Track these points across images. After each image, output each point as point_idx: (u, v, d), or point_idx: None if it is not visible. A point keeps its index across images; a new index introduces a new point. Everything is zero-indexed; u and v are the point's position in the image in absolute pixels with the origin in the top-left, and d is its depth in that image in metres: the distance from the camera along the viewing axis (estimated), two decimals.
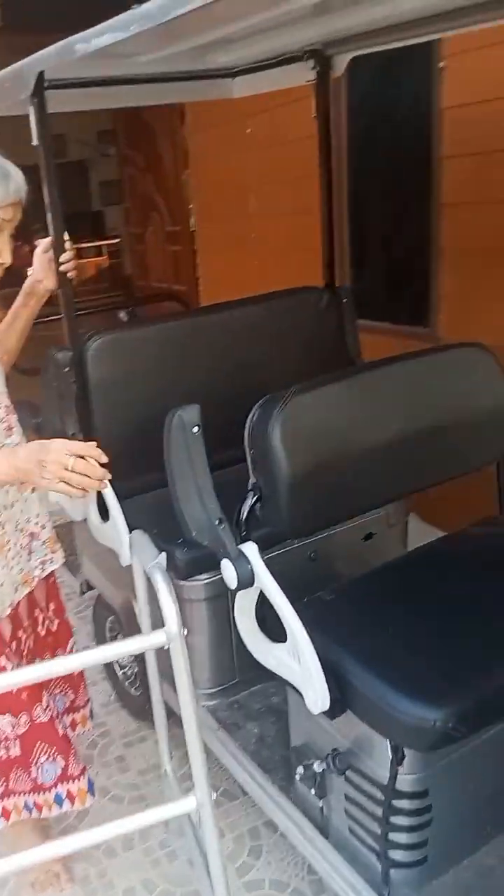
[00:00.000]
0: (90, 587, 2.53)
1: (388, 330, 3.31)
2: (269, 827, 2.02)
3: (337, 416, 1.66)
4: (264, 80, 2.63)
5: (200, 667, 2.03)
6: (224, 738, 1.94)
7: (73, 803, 1.76)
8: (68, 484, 1.32)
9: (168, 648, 1.37)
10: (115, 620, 2.46)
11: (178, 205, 5.44)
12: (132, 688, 2.45)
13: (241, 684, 2.07)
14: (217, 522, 1.53)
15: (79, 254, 1.92)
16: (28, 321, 1.87)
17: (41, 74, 1.83)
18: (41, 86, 1.85)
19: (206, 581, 1.94)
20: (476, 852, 1.57)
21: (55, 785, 1.74)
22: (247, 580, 1.51)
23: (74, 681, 2.00)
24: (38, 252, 1.85)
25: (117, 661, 2.52)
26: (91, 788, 1.78)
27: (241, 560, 1.51)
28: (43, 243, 1.85)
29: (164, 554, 1.44)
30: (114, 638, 2.52)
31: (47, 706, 1.75)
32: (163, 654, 1.89)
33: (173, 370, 2.16)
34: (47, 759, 1.72)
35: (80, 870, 1.96)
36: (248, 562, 1.51)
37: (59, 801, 1.75)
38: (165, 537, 1.94)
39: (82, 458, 1.32)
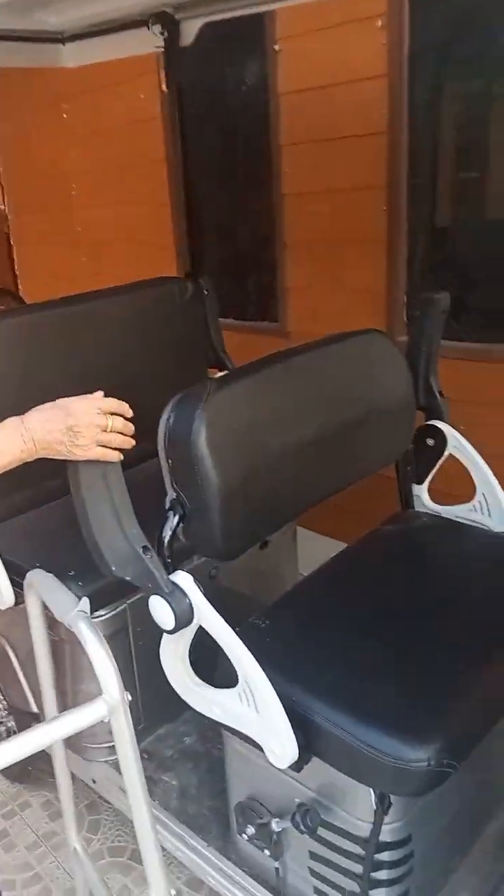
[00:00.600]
0: None
1: (235, 326, 3.05)
2: (193, 886, 1.70)
3: (260, 413, 1.37)
4: (101, 46, 2.27)
5: None
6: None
7: None
8: (106, 448, 1.11)
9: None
10: None
11: None
12: None
13: (147, 730, 1.73)
14: (142, 550, 1.18)
15: None
16: None
17: None
18: None
19: (104, 616, 1.58)
20: (447, 885, 1.36)
21: None
22: (186, 619, 1.18)
23: None
24: None
25: None
26: None
27: (175, 595, 1.18)
28: None
29: (86, 599, 1.08)
30: None
31: None
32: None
33: (34, 370, 1.76)
34: None
35: None
36: (186, 595, 1.19)
37: None
38: (52, 568, 1.55)
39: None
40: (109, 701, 1.07)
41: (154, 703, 1.65)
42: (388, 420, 1.63)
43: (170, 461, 1.27)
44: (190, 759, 1.68)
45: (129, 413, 1.13)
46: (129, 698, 1.11)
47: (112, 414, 1.12)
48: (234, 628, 1.23)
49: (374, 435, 1.62)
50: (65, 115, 3.86)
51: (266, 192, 2.82)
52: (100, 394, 1.13)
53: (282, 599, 1.55)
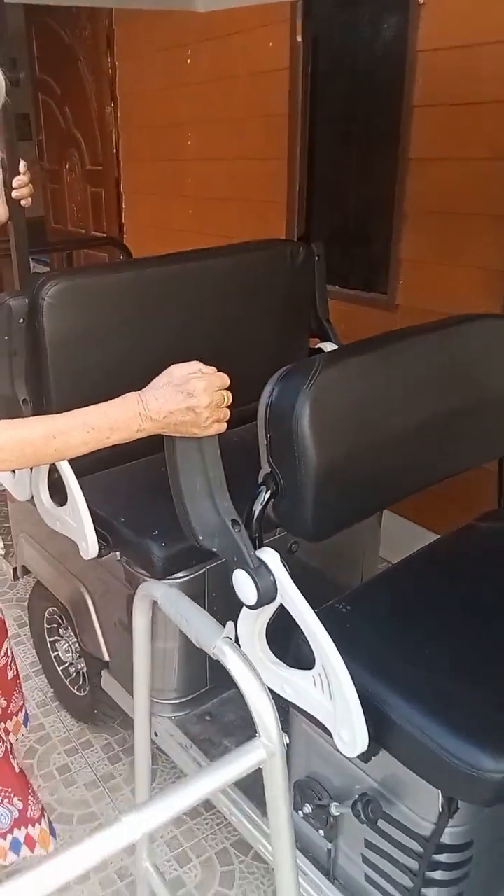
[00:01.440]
0: (26, 571, 2.13)
1: (340, 294, 2.99)
2: (240, 848, 1.75)
3: (368, 394, 1.35)
4: None
5: (167, 675, 1.70)
6: (198, 757, 1.63)
7: (32, 849, 1.42)
8: (220, 422, 1.12)
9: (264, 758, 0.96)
10: (55, 612, 2.08)
11: (101, 143, 4.85)
12: (75, 686, 2.09)
13: (214, 691, 1.76)
14: (231, 524, 1.19)
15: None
16: None
17: None
18: None
19: (183, 579, 1.60)
20: (501, 892, 1.35)
21: (11, 830, 1.39)
22: (269, 596, 1.19)
23: (7, 685, 1.63)
24: None
25: (56, 655, 2.14)
26: (53, 831, 1.45)
27: (261, 571, 1.19)
28: None
29: (231, 624, 1.04)
30: (53, 630, 2.14)
31: (2, 716, 1.40)
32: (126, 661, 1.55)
33: (139, 326, 1.77)
34: (2, 801, 1.37)
35: None
36: (271, 573, 1.19)
37: (16, 847, 1.40)
38: (136, 529, 1.59)
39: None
40: (268, 745, 0.96)
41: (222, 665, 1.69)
42: (499, 412, 1.58)
43: (269, 436, 1.27)
44: (250, 727, 1.69)
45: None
46: (288, 741, 1.07)
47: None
48: (313, 608, 1.23)
49: (482, 427, 1.57)
50: (188, 62, 3.82)
51: (390, 156, 2.72)
52: (212, 369, 1.13)
53: (366, 585, 1.54)
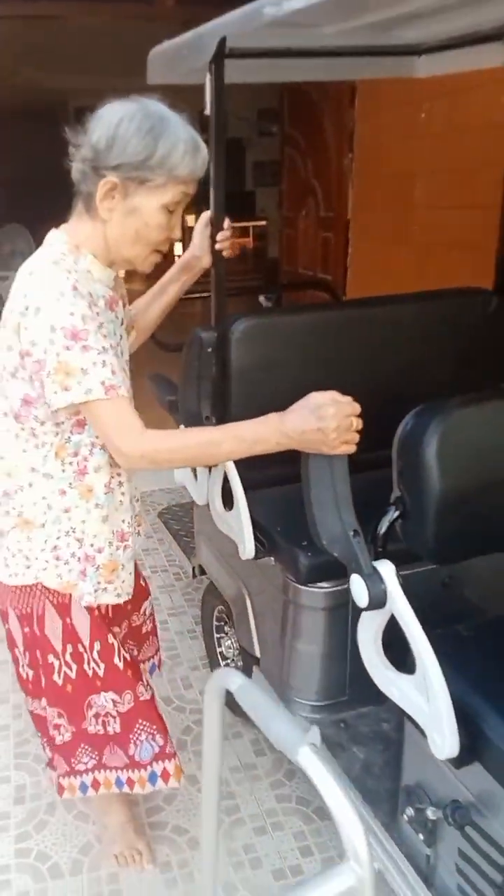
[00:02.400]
0: (202, 572, 2.48)
1: None
2: None
3: (494, 439, 1.50)
4: (452, 59, 2.45)
5: (308, 678, 1.93)
6: (326, 757, 1.84)
7: (166, 782, 1.73)
8: (348, 444, 1.36)
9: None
10: (222, 610, 2.40)
11: (336, 190, 5.30)
12: None
13: (350, 703, 1.95)
14: (352, 534, 1.42)
15: (234, 239, 1.85)
16: (176, 297, 1.83)
17: (223, 40, 1.75)
18: (222, 53, 1.77)
19: (327, 589, 1.83)
20: None
21: (151, 763, 1.71)
22: (378, 601, 1.39)
23: (142, 637, 1.98)
24: (198, 227, 1.78)
25: (221, 652, 2.46)
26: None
27: (374, 578, 1.39)
28: (203, 218, 1.78)
29: (315, 729, 1.09)
30: (219, 628, 2.47)
31: (148, 684, 1.74)
32: (273, 660, 1.80)
33: (316, 362, 2.05)
34: (147, 737, 1.70)
35: (162, 854, 1.92)
36: (382, 581, 1.39)
37: (153, 779, 1.72)
38: (289, 538, 1.85)
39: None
40: (357, 871, 0.90)
41: (363, 681, 1.86)
42: None
43: (400, 462, 1.48)
44: (382, 742, 1.87)
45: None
46: (378, 866, 1.07)
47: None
48: (436, 630, 1.40)
49: None
50: (423, 115, 4.11)
51: None
52: (348, 399, 1.36)
53: (498, 616, 1.67)
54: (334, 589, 1.83)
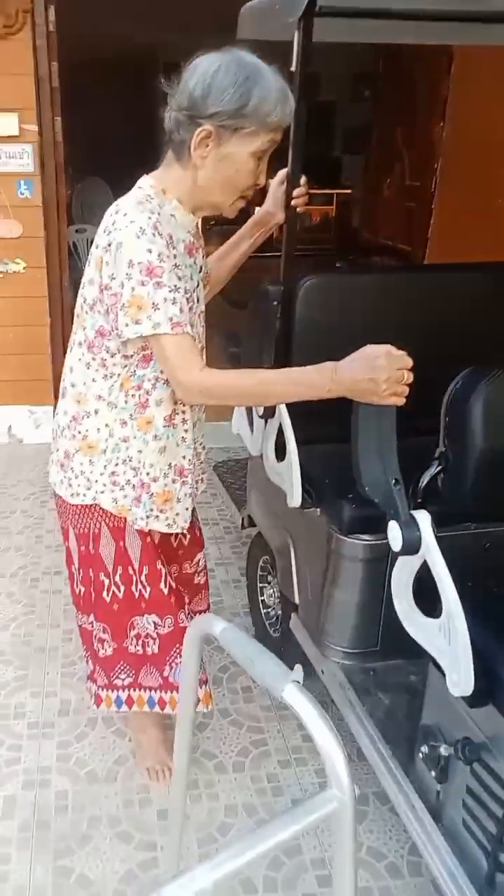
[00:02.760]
0: (252, 523, 2.63)
1: None
2: (380, 798, 2.05)
3: None
4: None
5: (343, 626, 2.05)
6: (353, 699, 1.98)
7: (207, 705, 1.88)
8: (398, 396, 1.43)
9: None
10: (267, 560, 2.55)
11: (423, 159, 5.30)
12: (272, 629, 2.54)
13: (381, 654, 2.07)
14: (393, 483, 1.53)
15: (309, 198, 1.95)
16: (247, 252, 1.94)
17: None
18: (311, 9, 1.86)
19: (367, 542, 1.95)
20: None
21: (201, 685, 1.86)
22: (412, 546, 1.51)
23: (194, 588, 2.14)
24: (274, 183, 1.87)
25: (262, 600, 2.62)
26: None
27: (410, 524, 1.51)
28: (280, 175, 1.87)
29: (299, 667, 1.06)
30: (263, 577, 2.62)
31: (189, 613, 1.90)
32: (312, 607, 1.94)
33: (378, 323, 2.14)
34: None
35: (191, 773, 2.09)
36: (418, 528, 1.51)
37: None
38: (335, 490, 1.98)
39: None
40: (339, 796, 0.96)
41: (395, 634, 1.99)
42: None
43: (447, 419, 1.58)
44: (408, 692, 1.99)
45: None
46: (358, 792, 1.20)
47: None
48: (467, 583, 1.51)
49: None
50: None
51: None
52: (402, 353, 1.46)
53: None
54: (374, 542, 1.94)
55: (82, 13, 4.73)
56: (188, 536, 2.04)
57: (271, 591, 2.54)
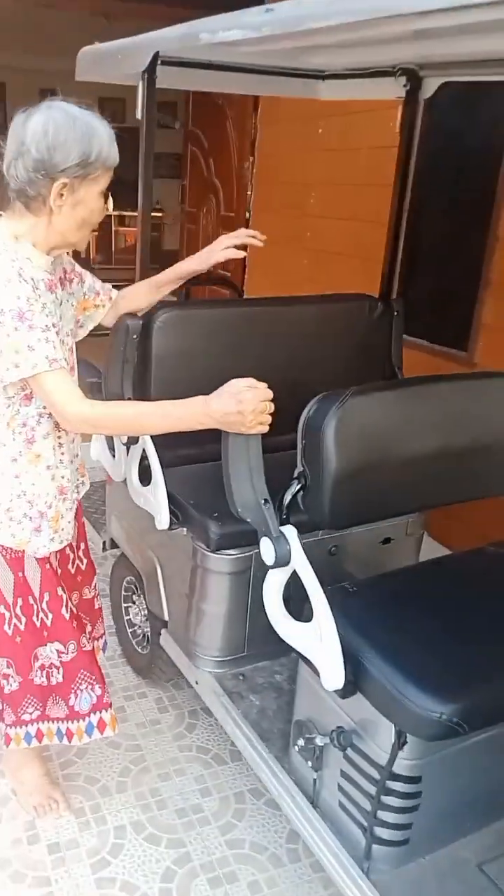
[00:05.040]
0: (113, 545, 2.64)
1: (426, 347, 3.40)
2: (254, 794, 2.14)
3: (386, 422, 1.76)
4: (353, 87, 2.72)
5: (212, 636, 2.13)
6: (227, 704, 2.05)
7: (102, 732, 1.89)
8: (263, 424, 1.55)
9: None
10: (131, 580, 2.56)
11: (237, 191, 5.51)
12: (139, 646, 2.56)
13: (249, 658, 2.17)
14: (263, 502, 1.63)
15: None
16: (163, 294, 2.05)
17: (156, 54, 1.92)
18: (155, 64, 1.94)
19: (233, 556, 2.04)
20: (453, 843, 1.68)
21: (90, 713, 1.87)
22: (284, 559, 1.61)
23: (93, 613, 2.16)
24: (219, 246, 2.03)
25: (128, 619, 2.63)
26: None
27: (280, 540, 1.62)
28: (225, 240, 2.03)
29: None
30: (127, 597, 2.63)
31: (90, 636, 1.90)
32: (181, 622, 2.00)
33: (229, 353, 2.26)
34: (87, 686, 1.85)
35: (76, 801, 2.08)
36: (287, 543, 1.62)
37: (89, 730, 1.88)
38: (201, 510, 2.05)
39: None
40: None
41: (260, 639, 2.09)
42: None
43: (303, 442, 1.70)
44: (275, 691, 2.11)
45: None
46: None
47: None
48: (325, 587, 1.64)
49: (491, 465, 1.94)
50: (320, 131, 4.39)
51: (480, 232, 3.14)
52: (263, 385, 1.57)
53: (375, 577, 1.93)
54: (238, 556, 2.04)
55: None
56: (84, 561, 2.07)
57: (136, 609, 2.56)
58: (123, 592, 2.64)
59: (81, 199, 1.59)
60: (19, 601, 1.78)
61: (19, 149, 1.53)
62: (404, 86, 2.55)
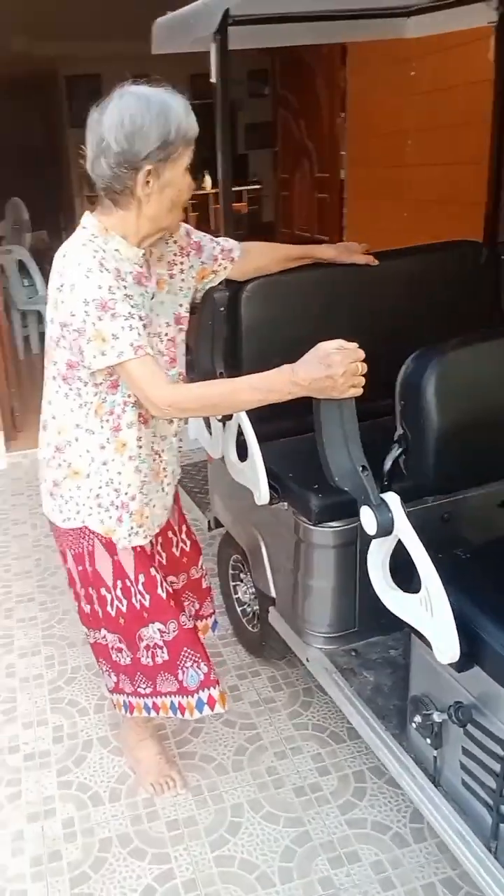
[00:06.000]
0: (218, 524, 2.66)
1: None
2: (374, 772, 2.12)
3: (492, 375, 1.68)
4: (441, 19, 2.58)
5: (321, 612, 2.11)
6: (340, 681, 2.03)
7: (212, 708, 1.92)
8: (356, 387, 1.50)
9: None
10: (238, 559, 2.58)
11: (329, 150, 5.40)
12: (250, 625, 2.58)
13: (360, 633, 2.14)
14: (361, 469, 1.59)
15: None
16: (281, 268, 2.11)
17: (226, 12, 1.89)
18: (225, 23, 1.91)
19: (336, 528, 2.01)
20: None
21: (198, 690, 1.91)
22: (386, 528, 1.57)
23: (201, 592, 2.21)
24: (348, 257, 2.18)
25: (237, 598, 2.66)
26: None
27: (382, 508, 1.57)
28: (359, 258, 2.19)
29: None
30: (235, 576, 2.66)
31: (190, 616, 1.95)
32: (289, 598, 2.00)
33: (321, 317, 2.21)
34: (192, 664, 1.89)
35: (192, 780, 2.13)
36: (389, 510, 1.57)
37: (199, 706, 1.92)
38: (300, 483, 2.03)
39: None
40: None
41: (371, 613, 2.05)
42: None
43: (402, 402, 1.65)
44: (390, 666, 2.07)
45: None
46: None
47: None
48: (437, 554, 1.58)
49: None
50: (412, 73, 4.22)
51: None
52: (354, 345, 1.52)
53: (489, 541, 1.85)
54: (342, 528, 2.00)
55: None
56: (188, 543, 2.13)
57: (244, 587, 2.58)
58: (231, 571, 2.67)
59: (168, 181, 1.59)
60: (119, 583, 1.84)
61: (99, 146, 1.54)
62: (497, 8, 2.40)
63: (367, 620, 2.11)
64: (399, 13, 2.61)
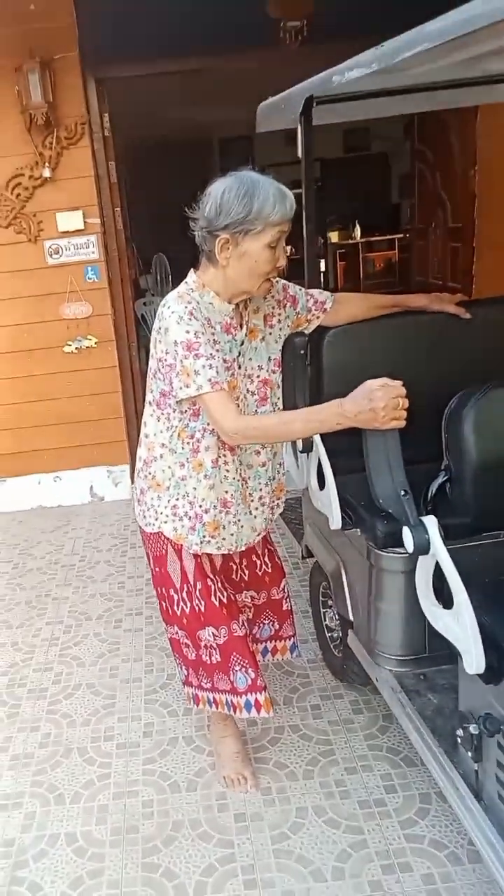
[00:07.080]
0: (310, 553, 2.91)
1: None
2: (441, 797, 2.25)
3: None
4: None
5: (391, 634, 2.29)
6: (403, 699, 2.20)
7: (258, 711, 2.18)
8: (398, 420, 1.74)
9: None
10: (326, 586, 2.81)
11: (462, 201, 5.61)
12: (336, 650, 2.79)
13: (431, 660, 2.30)
14: (402, 493, 1.81)
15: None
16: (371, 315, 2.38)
17: (310, 98, 2.22)
18: (309, 106, 2.24)
19: (403, 555, 2.20)
20: None
21: (246, 692, 2.17)
22: (422, 547, 1.77)
23: (281, 613, 2.48)
24: (444, 300, 2.41)
25: (326, 624, 2.88)
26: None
27: (419, 528, 1.78)
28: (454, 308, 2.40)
29: None
30: (324, 603, 2.88)
31: (243, 624, 2.20)
32: (364, 622, 2.21)
33: (398, 362, 2.43)
34: (241, 668, 2.16)
35: (264, 781, 2.36)
36: (426, 531, 1.77)
37: (248, 706, 2.18)
38: (370, 510, 2.25)
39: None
40: None
41: (443, 640, 2.21)
42: None
43: (446, 435, 1.86)
44: (455, 691, 2.19)
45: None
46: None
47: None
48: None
49: None
50: None
51: None
52: (397, 383, 1.77)
53: None
54: (405, 555, 2.19)
55: (135, 107, 5.33)
56: (270, 566, 2.42)
57: (331, 613, 2.80)
58: (321, 598, 2.90)
59: (245, 251, 1.92)
60: (184, 587, 2.16)
61: (200, 211, 1.93)
62: None
63: (438, 647, 2.26)
64: (497, 80, 2.83)
